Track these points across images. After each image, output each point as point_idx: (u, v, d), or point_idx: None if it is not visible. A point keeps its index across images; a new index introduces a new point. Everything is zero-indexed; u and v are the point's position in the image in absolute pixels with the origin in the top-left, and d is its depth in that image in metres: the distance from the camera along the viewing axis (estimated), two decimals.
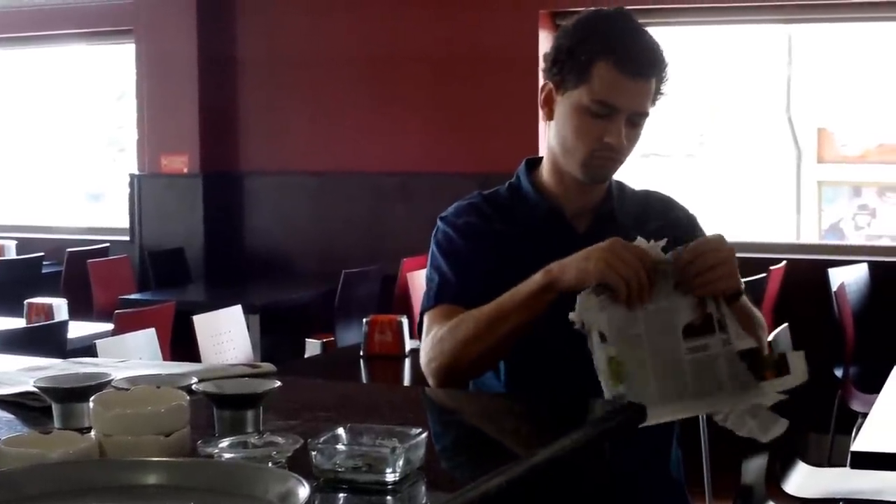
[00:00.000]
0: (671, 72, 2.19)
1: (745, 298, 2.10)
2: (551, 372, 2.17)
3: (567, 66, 2.17)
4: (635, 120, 2.16)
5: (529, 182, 2.30)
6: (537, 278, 2.03)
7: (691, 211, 2.36)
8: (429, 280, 2.24)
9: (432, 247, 2.28)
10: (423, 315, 2.22)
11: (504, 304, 2.06)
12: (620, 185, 2.33)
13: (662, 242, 1.99)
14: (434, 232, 2.29)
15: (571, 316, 1.95)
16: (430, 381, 2.16)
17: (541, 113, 2.27)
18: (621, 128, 2.14)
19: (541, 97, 2.24)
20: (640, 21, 2.21)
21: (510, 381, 2.22)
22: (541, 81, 2.26)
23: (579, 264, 1.97)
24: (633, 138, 2.18)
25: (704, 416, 4.90)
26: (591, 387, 1.99)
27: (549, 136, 2.26)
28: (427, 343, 2.15)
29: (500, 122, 6.63)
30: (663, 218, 2.27)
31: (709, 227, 2.36)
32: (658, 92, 2.19)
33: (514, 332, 2.07)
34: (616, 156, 2.18)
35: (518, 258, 2.17)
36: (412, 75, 7.01)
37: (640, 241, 1.99)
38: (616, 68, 2.12)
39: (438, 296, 2.19)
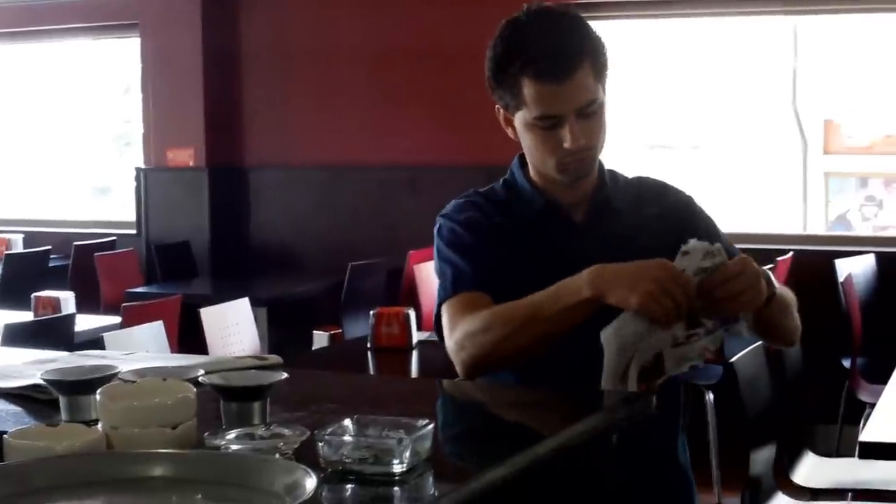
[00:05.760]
0: (603, 44, 2.14)
1: (776, 289, 2.06)
2: (564, 371, 2.15)
3: (500, 92, 2.17)
4: (586, 112, 2.11)
5: (524, 177, 2.28)
6: (582, 291, 1.97)
7: (687, 193, 2.33)
8: (441, 274, 2.22)
9: (437, 243, 2.25)
10: (440, 307, 2.18)
11: (543, 308, 2.01)
12: (613, 173, 2.30)
13: (717, 246, 1.97)
14: (437, 229, 2.26)
15: (603, 336, 1.94)
16: (459, 370, 2.12)
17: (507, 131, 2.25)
18: (574, 129, 2.10)
19: (500, 119, 2.23)
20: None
21: (523, 377, 2.20)
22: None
23: (622, 292, 1.93)
24: (593, 128, 2.14)
25: (713, 411, 4.91)
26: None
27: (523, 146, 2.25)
28: (457, 334, 2.10)
29: None
30: (659, 204, 2.25)
31: (712, 218, 2.35)
32: (600, 70, 2.14)
33: (551, 336, 2.03)
34: (585, 153, 2.14)
35: (520, 250, 2.17)
36: (418, 68, 7.00)
37: (693, 244, 1.97)
38: (539, 81, 2.09)
39: (456, 285, 2.16)
